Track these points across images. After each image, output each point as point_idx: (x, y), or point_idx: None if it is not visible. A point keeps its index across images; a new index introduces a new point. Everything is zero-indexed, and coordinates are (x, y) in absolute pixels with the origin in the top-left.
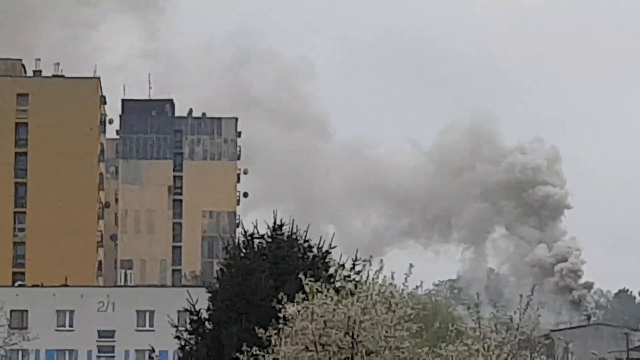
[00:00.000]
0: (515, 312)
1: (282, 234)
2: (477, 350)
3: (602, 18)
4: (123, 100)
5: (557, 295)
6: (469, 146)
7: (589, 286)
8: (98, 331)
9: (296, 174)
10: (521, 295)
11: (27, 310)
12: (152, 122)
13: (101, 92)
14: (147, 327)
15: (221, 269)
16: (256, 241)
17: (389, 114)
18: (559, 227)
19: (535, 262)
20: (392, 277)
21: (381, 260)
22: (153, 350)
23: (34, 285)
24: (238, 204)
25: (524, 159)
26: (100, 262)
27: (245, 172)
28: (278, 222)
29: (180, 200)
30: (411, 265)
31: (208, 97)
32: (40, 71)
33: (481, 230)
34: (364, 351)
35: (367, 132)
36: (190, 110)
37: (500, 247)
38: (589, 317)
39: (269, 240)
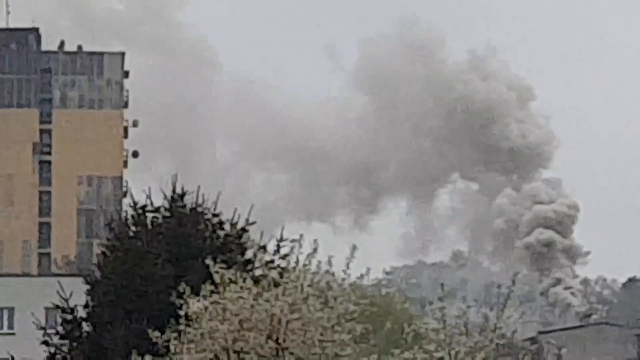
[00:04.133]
0: (491, 309)
1: (184, 206)
2: (442, 359)
3: None
4: None
5: (531, 266)
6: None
7: (578, 254)
8: None
9: (185, 124)
10: (499, 286)
11: None
12: (11, 58)
13: None
14: (5, 330)
15: (103, 253)
16: (150, 215)
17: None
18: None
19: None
20: (329, 263)
21: (315, 241)
22: None
23: None
24: (125, 166)
25: (481, 86)
26: None
27: (135, 125)
28: (179, 191)
29: (49, 162)
30: (354, 247)
31: (82, 26)
32: None
33: (427, 185)
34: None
35: (261, 67)
36: (62, 43)
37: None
38: (589, 315)
39: (167, 214)
